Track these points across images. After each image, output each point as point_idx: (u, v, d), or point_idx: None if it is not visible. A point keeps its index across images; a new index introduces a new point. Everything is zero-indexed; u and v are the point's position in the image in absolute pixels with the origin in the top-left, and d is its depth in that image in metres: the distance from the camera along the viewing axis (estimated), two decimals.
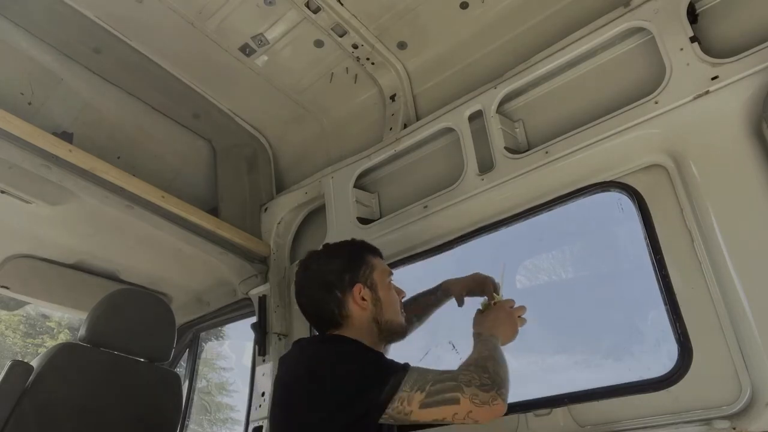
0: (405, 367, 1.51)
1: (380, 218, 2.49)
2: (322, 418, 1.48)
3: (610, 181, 1.96)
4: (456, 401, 1.39)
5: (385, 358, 1.63)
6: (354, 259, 1.83)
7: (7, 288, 2.98)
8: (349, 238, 2.46)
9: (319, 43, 2.52)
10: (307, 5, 2.32)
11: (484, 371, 1.44)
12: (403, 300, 1.92)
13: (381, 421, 1.46)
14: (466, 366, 1.48)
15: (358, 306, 1.75)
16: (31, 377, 2.13)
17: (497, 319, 1.74)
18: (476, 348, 1.60)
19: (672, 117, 1.74)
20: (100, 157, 2.29)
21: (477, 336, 1.67)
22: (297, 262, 2.77)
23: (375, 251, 1.91)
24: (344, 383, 1.50)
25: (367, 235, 2.44)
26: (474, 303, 1.94)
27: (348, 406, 1.46)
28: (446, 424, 1.52)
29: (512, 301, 1.84)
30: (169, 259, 2.96)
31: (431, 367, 1.51)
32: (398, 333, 1.83)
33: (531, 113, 2.22)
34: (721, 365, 1.61)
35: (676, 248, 1.77)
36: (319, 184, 2.72)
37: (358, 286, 1.76)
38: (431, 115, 2.39)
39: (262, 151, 3.05)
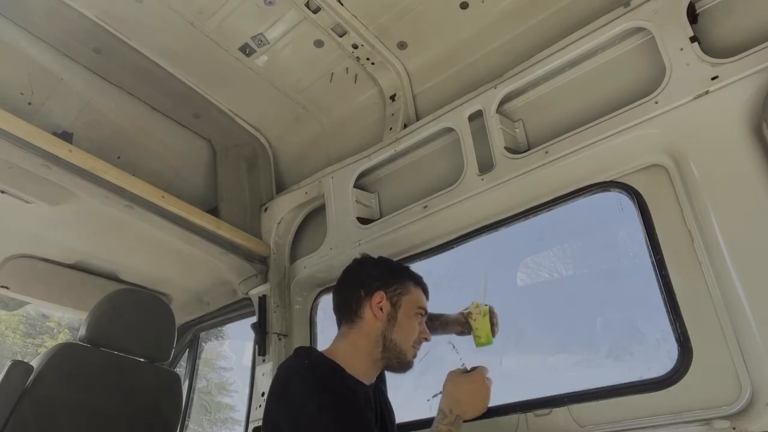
0: None
1: (380, 218, 2.49)
2: None
3: (610, 181, 1.96)
4: None
5: (353, 414, 1.58)
6: (394, 275, 1.87)
7: (7, 288, 2.98)
8: (349, 239, 2.48)
9: (319, 43, 2.52)
10: (307, 5, 2.32)
11: None
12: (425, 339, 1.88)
13: None
14: None
15: (372, 312, 1.78)
16: (31, 377, 2.13)
17: (471, 392, 1.64)
18: None
19: (672, 117, 1.74)
20: (100, 157, 2.29)
21: (440, 413, 1.60)
22: (297, 261, 2.78)
23: (419, 283, 1.91)
24: (306, 422, 1.52)
25: (367, 235, 2.44)
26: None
27: None
28: None
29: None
30: (169, 259, 2.96)
31: None
32: (400, 361, 1.80)
33: (531, 113, 2.22)
34: (721, 365, 1.61)
35: (676, 248, 1.77)
36: (319, 184, 2.72)
37: (380, 294, 1.80)
38: (431, 115, 2.39)
39: (262, 151, 3.05)
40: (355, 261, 1.96)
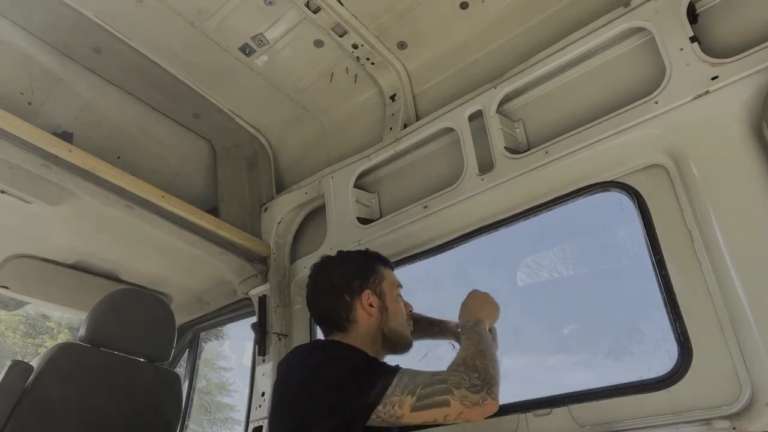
0: (394, 370, 1.51)
1: (380, 218, 2.49)
2: (310, 423, 1.48)
3: (610, 181, 1.96)
4: (446, 404, 1.40)
5: (375, 361, 1.63)
6: (365, 266, 1.87)
7: (7, 288, 2.98)
8: (349, 239, 2.47)
9: (319, 43, 2.52)
10: (307, 5, 2.32)
11: (474, 370, 1.45)
12: (411, 312, 1.94)
13: (372, 423, 1.46)
14: (455, 366, 1.48)
15: (365, 312, 1.78)
16: (31, 377, 2.13)
17: (476, 302, 1.81)
18: (464, 344, 1.62)
19: (672, 117, 1.74)
20: (100, 157, 2.29)
21: (462, 328, 1.70)
22: (297, 261, 2.78)
23: (387, 263, 1.95)
24: (331, 387, 1.51)
25: (367, 235, 2.44)
26: None
27: (335, 409, 1.47)
28: (440, 425, 1.52)
29: None
30: (169, 259, 2.96)
31: (422, 369, 1.52)
32: (402, 344, 1.84)
33: (531, 113, 2.22)
34: (721, 365, 1.61)
35: (676, 248, 1.77)
36: (319, 184, 2.72)
37: (366, 293, 1.80)
38: (431, 115, 2.39)
39: (262, 151, 3.05)
40: (318, 267, 1.92)
